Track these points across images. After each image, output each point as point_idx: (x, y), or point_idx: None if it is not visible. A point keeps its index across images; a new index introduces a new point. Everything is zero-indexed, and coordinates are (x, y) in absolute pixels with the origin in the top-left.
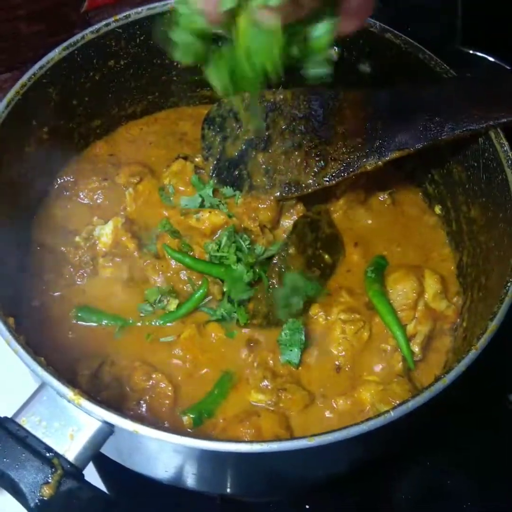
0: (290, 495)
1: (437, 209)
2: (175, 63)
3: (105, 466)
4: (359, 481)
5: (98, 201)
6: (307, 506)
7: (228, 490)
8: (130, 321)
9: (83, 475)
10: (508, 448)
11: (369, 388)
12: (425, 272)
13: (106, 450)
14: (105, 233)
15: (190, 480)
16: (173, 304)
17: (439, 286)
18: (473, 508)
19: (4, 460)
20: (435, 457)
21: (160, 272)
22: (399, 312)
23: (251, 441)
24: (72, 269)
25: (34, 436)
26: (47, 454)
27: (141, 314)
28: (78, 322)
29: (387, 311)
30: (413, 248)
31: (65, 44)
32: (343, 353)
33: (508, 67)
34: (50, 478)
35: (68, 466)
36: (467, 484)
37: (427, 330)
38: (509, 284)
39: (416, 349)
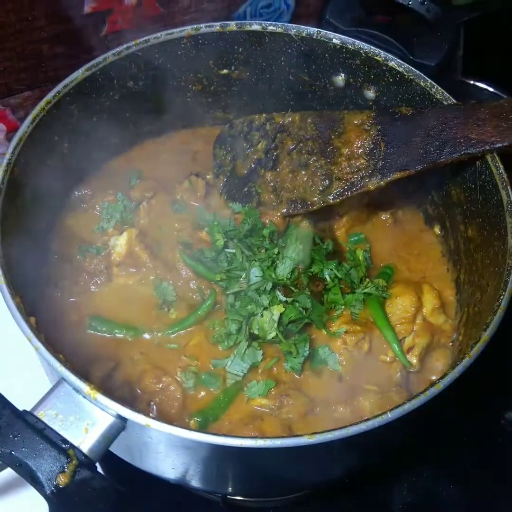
0: (291, 499)
1: (437, 229)
2: (189, 86)
3: (112, 472)
4: (358, 489)
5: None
6: None
7: (231, 489)
8: (140, 331)
9: (96, 467)
10: (501, 464)
11: (368, 397)
12: (423, 287)
13: (116, 448)
14: (120, 243)
15: (195, 478)
16: (173, 314)
17: (437, 301)
18: None
19: (23, 449)
20: (431, 470)
21: (171, 281)
22: (398, 325)
23: (255, 437)
24: (87, 277)
25: (51, 429)
26: (63, 445)
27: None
28: (91, 332)
29: (379, 317)
30: (413, 265)
31: (88, 65)
32: (344, 363)
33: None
34: (66, 467)
35: (83, 457)
36: (460, 495)
37: (424, 342)
38: (502, 297)
39: (414, 360)
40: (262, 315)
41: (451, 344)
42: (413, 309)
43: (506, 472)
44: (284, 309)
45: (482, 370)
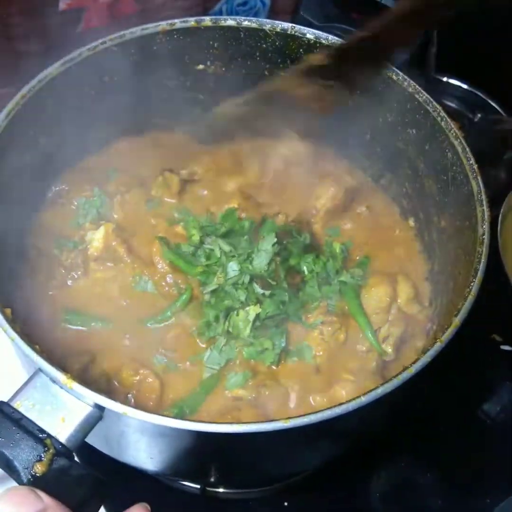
0: (269, 491)
1: (411, 222)
2: (165, 82)
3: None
4: (335, 479)
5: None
6: (285, 503)
7: (209, 479)
8: (117, 325)
9: (73, 456)
10: (478, 453)
11: (344, 385)
12: (398, 278)
13: (94, 440)
14: (97, 238)
15: (173, 468)
16: None
17: (411, 291)
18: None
19: (0, 439)
20: (408, 459)
21: (148, 275)
22: (373, 315)
23: (230, 422)
24: (63, 271)
25: (28, 419)
26: (40, 435)
27: None
28: (67, 325)
29: (354, 305)
30: (389, 257)
31: (63, 59)
32: (321, 353)
33: (482, 95)
34: (43, 456)
35: (60, 446)
36: (437, 483)
37: (399, 332)
38: (472, 284)
39: (389, 349)
40: (237, 314)
41: (427, 334)
42: (388, 299)
43: (483, 461)
44: (260, 309)
45: (459, 361)
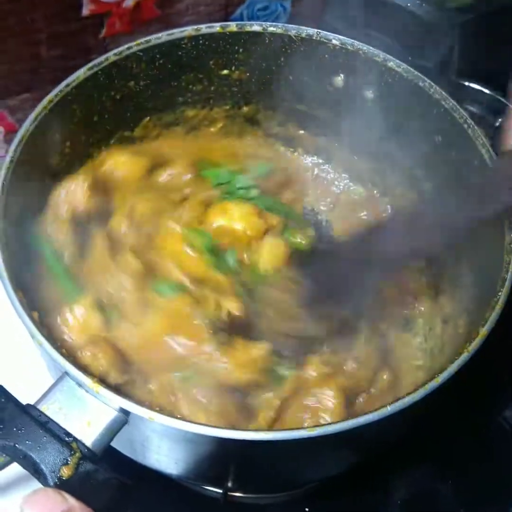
0: (289, 496)
1: None
2: (190, 86)
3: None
4: (356, 486)
5: None
6: (306, 509)
7: (232, 484)
8: None
9: (99, 460)
10: (500, 462)
11: None
12: None
13: (119, 444)
14: None
15: (197, 473)
16: None
17: None
18: None
19: (27, 442)
20: (429, 467)
21: None
22: None
23: (257, 430)
24: None
25: (54, 422)
26: (67, 438)
27: None
28: None
29: None
30: None
31: (90, 64)
32: None
33: (504, 100)
34: (69, 460)
35: (86, 450)
36: (457, 492)
37: None
38: (500, 293)
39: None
40: None
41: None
42: None
43: (505, 469)
44: None
45: (482, 369)
